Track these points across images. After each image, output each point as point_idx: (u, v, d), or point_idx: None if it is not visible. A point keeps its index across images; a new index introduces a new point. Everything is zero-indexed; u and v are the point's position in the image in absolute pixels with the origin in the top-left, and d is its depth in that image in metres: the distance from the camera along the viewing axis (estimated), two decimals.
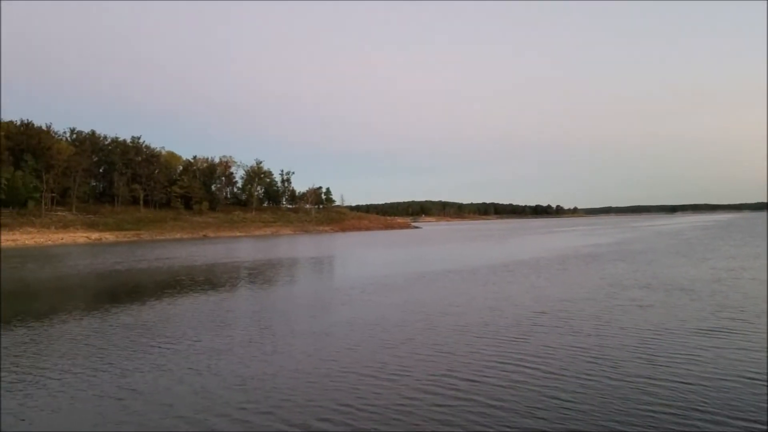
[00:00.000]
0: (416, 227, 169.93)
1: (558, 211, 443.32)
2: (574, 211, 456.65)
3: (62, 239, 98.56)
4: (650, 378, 10.37)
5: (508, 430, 8.11)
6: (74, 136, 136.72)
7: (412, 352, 12.81)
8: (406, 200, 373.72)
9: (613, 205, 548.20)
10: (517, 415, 8.67)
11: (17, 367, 12.32)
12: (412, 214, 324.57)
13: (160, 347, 13.97)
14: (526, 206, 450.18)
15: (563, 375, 10.72)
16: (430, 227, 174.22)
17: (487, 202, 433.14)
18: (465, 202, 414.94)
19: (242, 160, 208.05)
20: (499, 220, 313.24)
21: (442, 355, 12.40)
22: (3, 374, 11.73)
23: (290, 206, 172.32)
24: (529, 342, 13.50)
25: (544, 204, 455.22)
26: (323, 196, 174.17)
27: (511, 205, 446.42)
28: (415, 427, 8.30)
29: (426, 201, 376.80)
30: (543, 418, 8.49)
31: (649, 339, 13.51)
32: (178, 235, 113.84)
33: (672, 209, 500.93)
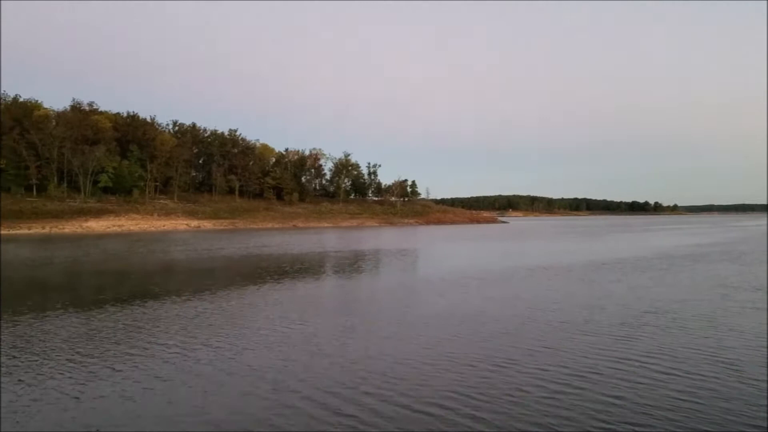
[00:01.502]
0: (503, 222, 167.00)
1: (656, 208, 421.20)
2: (674, 209, 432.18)
3: (164, 226, 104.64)
4: None
5: (626, 425, 7.93)
6: (176, 128, 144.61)
7: (515, 344, 12.69)
8: (493, 194, 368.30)
9: (716, 204, 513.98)
10: (634, 410, 8.47)
11: (133, 349, 13.31)
12: (498, 209, 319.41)
13: (269, 329, 14.59)
14: (621, 202, 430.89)
15: (677, 374, 10.31)
16: (517, 222, 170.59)
17: (579, 197, 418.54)
18: (555, 197, 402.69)
19: (331, 152, 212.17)
20: (592, 217, 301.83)
21: (546, 350, 12.19)
22: (123, 351, 12.67)
23: (376, 198, 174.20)
24: (638, 340, 13.02)
25: (641, 201, 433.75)
26: (409, 189, 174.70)
27: (604, 201, 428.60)
28: (528, 416, 8.28)
29: (513, 195, 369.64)
30: (660, 415, 8.24)
31: None
32: (269, 225, 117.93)
33: None
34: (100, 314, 16.63)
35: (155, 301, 19.18)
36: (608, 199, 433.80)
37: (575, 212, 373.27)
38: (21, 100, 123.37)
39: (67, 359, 11.59)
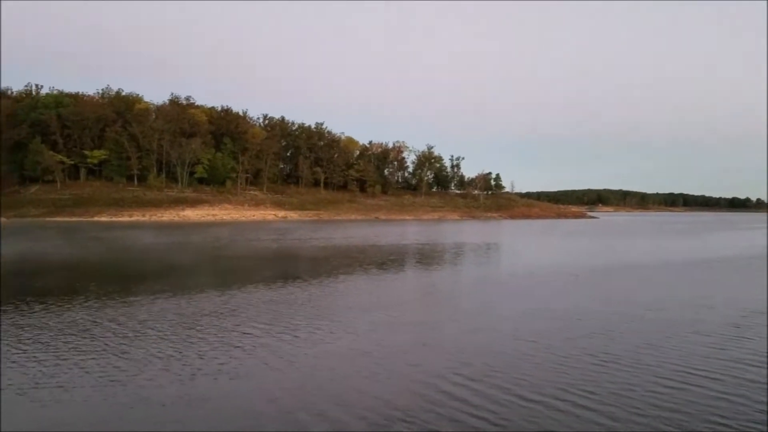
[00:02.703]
0: (592, 217, 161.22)
1: (758, 205, 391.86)
2: None
3: (254, 216, 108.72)
4: None
5: (744, 423, 7.54)
6: (266, 121, 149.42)
7: (618, 341, 12.36)
8: (581, 188, 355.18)
9: None
10: (749, 410, 8.05)
11: (245, 329, 13.94)
12: (587, 203, 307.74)
13: (364, 316, 14.94)
14: (720, 198, 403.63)
15: None
16: (607, 217, 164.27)
17: (675, 192, 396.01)
18: (649, 191, 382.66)
19: (414, 145, 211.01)
20: (689, 213, 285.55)
21: (652, 348, 11.81)
22: (237, 331, 13.36)
23: (458, 191, 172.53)
24: (751, 341, 12.36)
25: (742, 197, 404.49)
26: (492, 182, 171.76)
27: (702, 196, 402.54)
28: (637, 412, 8.07)
29: (604, 189, 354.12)
30: None
31: None
32: (352, 216, 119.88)
33: None
34: (226, 294, 17.64)
35: (265, 285, 20.08)
36: (706, 194, 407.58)
37: (671, 208, 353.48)
38: (123, 94, 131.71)
39: (182, 338, 12.39)
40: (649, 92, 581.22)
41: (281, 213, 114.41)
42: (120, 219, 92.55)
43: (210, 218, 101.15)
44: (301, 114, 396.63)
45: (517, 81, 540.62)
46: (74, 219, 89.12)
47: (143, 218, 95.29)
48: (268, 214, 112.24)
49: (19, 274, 24.45)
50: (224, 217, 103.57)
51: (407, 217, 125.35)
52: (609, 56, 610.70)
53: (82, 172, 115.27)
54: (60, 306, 15.66)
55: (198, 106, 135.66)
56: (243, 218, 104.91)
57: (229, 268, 27.40)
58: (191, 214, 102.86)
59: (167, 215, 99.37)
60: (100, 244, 40.70)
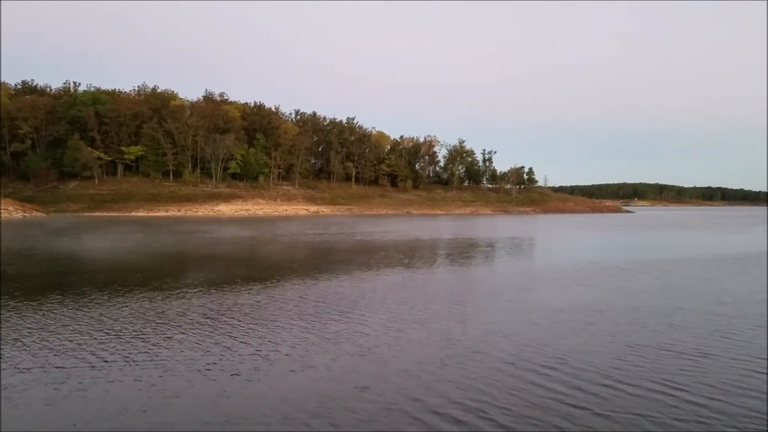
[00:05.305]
0: (628, 211, 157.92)
1: None
2: None
3: (286, 211, 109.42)
4: None
5: None
6: (298, 117, 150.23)
7: (682, 333, 12.05)
8: (616, 182, 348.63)
9: None
10: None
11: (299, 320, 13.97)
12: (622, 197, 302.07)
13: (435, 310, 14.83)
14: (760, 192, 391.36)
15: None
16: (644, 212, 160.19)
17: (713, 186, 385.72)
18: (686, 185, 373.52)
19: (445, 139, 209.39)
20: (728, 207, 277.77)
21: (714, 337, 11.51)
22: (303, 318, 13.36)
23: (490, 186, 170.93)
24: None
25: None
26: (525, 176, 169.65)
27: (741, 190, 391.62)
28: (722, 398, 7.80)
29: (640, 183, 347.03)
30: None
31: None
32: (384, 211, 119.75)
33: None
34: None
35: (336, 277, 20.39)
36: (746, 188, 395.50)
37: (708, 202, 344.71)
38: (159, 90, 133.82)
39: (247, 327, 12.44)
40: (687, 85, 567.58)
41: (313, 208, 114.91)
42: (156, 214, 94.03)
43: (243, 213, 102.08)
44: (332, 110, 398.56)
45: (551, 75, 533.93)
46: (113, 214, 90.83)
47: (179, 213, 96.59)
48: (300, 208, 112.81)
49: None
50: (257, 212, 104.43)
51: (439, 212, 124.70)
52: (645, 50, 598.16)
53: (120, 168, 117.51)
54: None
55: (231, 102, 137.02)
56: (276, 213, 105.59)
57: (311, 262, 28.12)
58: (225, 209, 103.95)
59: (202, 210, 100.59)
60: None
